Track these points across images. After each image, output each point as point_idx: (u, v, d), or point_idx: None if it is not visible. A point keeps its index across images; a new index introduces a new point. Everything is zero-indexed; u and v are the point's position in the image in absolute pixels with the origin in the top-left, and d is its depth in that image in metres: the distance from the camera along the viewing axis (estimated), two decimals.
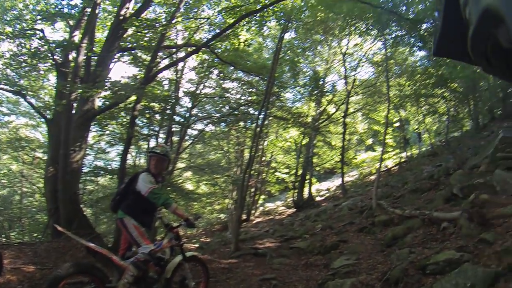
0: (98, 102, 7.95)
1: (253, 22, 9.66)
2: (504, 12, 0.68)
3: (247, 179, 7.95)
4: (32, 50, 9.38)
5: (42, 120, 12.04)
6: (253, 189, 14.72)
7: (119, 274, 3.72)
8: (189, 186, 16.77)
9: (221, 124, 13.67)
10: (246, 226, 13.71)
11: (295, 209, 16.00)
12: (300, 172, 17.01)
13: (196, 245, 11.33)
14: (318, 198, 17.62)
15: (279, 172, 17.69)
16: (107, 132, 11.00)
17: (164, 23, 8.21)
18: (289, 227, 11.15)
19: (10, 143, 13.52)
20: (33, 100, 10.67)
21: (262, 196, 19.00)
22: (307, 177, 17.09)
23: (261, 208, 18.77)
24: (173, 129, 12.09)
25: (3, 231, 13.97)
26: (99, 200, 9.67)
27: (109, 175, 10.20)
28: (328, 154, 19.44)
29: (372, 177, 17.14)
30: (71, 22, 9.96)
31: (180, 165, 13.51)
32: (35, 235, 13.89)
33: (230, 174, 15.93)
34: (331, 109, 17.80)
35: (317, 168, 19.73)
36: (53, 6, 9.73)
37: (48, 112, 10.24)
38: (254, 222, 15.73)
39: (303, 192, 16.66)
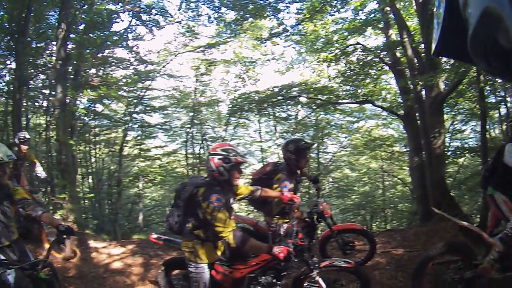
0: (442, 85, 8.03)
1: None
2: (504, 12, 0.64)
3: None
4: (359, 62, 10.50)
5: (392, 117, 13.10)
6: None
7: (486, 251, 3.54)
8: None
9: None
10: None
11: None
12: None
13: None
14: None
15: None
16: (458, 111, 10.87)
17: None
18: None
19: (366, 145, 15.16)
20: (378, 103, 11.62)
21: None
22: None
23: None
24: None
25: (366, 223, 15.48)
26: (462, 181, 9.55)
27: (468, 153, 9.92)
28: None
29: None
30: (379, 25, 10.42)
31: None
32: (396, 223, 14.97)
33: None
34: None
35: None
36: (355, 21, 10.50)
37: (395, 109, 11.00)
38: None
39: None
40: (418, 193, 9.18)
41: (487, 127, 11.82)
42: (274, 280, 3.64)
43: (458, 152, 9.75)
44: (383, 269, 5.19)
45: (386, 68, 10.60)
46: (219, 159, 3.27)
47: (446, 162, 8.71)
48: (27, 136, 6.45)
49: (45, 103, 12.45)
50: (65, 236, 3.26)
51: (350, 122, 15.56)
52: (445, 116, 9.62)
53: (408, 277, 4.20)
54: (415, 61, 8.48)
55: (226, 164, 3.26)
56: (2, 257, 3.00)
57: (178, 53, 13.75)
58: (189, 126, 15.27)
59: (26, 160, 6.39)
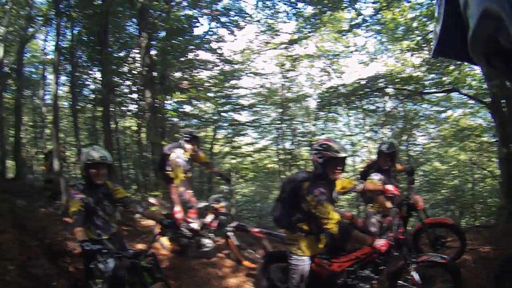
0: None
1: None
2: (504, 12, 0.64)
3: None
4: None
5: (479, 105, 12.22)
6: None
7: None
8: None
9: None
10: None
11: None
12: None
13: None
14: None
15: None
16: None
17: None
18: None
19: (454, 135, 14.36)
20: (464, 91, 10.96)
21: None
22: None
23: None
24: None
25: (455, 218, 14.69)
26: None
27: None
28: None
29: None
30: None
31: None
32: (485, 219, 13.84)
33: None
34: None
35: None
36: (434, 5, 9.84)
37: (482, 96, 10.29)
38: None
39: None
40: (506, 187, 8.53)
41: None
42: (372, 274, 3.68)
43: None
44: (469, 267, 4.97)
45: None
46: (315, 154, 3.38)
47: None
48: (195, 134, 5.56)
49: (131, 107, 13.49)
50: (167, 230, 3.58)
51: (437, 112, 14.92)
52: None
53: (492, 276, 4.04)
54: None
55: (319, 159, 3.33)
56: (102, 247, 3.18)
57: (261, 51, 14.08)
58: (279, 122, 15.55)
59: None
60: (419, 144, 16.66)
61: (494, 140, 12.36)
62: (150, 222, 6.85)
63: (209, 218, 5.45)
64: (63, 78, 13.08)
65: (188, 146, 5.34)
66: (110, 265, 3.20)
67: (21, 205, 6.52)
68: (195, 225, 5.42)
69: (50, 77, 14.98)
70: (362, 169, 5.37)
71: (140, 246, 5.76)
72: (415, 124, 14.82)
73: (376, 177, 4.69)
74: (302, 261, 3.46)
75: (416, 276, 3.59)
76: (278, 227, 3.79)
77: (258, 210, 17.18)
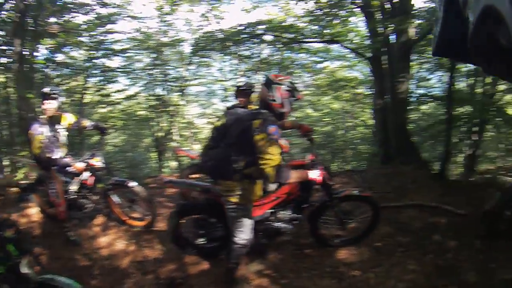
0: (413, 32, 7.93)
1: None
2: (504, 12, 0.63)
3: None
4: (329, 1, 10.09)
5: (358, 59, 12.99)
6: None
7: None
8: None
9: None
10: None
11: None
12: None
13: None
14: None
15: None
16: (426, 59, 10.86)
17: None
18: None
19: (329, 85, 15.24)
20: (345, 44, 11.40)
21: None
22: None
23: None
24: None
25: (326, 162, 16.30)
26: (424, 128, 9.77)
27: (433, 102, 10.07)
28: None
29: None
30: None
31: (501, 87, 11.18)
32: (356, 164, 15.54)
33: None
34: None
35: None
36: None
37: (363, 51, 10.86)
38: None
39: None
40: (379, 136, 9.51)
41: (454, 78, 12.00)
42: (294, 214, 3.68)
43: (422, 99, 9.83)
44: None
45: (357, 10, 10.25)
46: (287, 90, 3.03)
47: (409, 108, 8.91)
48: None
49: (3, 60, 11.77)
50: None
51: (315, 62, 15.42)
52: (412, 64, 9.65)
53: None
54: (387, 5, 8.24)
55: (290, 97, 3.05)
56: None
57: None
58: (151, 67, 14.85)
59: None
60: None
61: (370, 92, 13.48)
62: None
63: (85, 175, 4.81)
64: None
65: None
66: None
67: None
68: (74, 186, 4.79)
69: None
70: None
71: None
72: (290, 72, 15.03)
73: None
74: (247, 211, 3.24)
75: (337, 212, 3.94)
76: (212, 177, 3.38)
77: (130, 160, 16.43)
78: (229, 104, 5.78)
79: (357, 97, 15.31)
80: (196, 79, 16.25)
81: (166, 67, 15.30)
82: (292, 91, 3.06)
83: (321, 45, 13.23)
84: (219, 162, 3.10)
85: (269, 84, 3.03)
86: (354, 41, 12.03)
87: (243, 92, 4.92)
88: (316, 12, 10.64)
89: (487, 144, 16.25)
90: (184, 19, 15.40)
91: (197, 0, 14.33)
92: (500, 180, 8.12)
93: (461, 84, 12.35)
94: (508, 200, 4.16)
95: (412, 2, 8.23)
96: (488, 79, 10.40)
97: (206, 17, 14.63)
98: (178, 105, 15.73)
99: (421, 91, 12.25)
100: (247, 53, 14.39)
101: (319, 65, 15.83)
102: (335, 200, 3.83)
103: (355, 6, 9.99)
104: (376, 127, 10.65)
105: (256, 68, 14.44)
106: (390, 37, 8.55)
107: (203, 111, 18.53)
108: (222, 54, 14.25)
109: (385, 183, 6.47)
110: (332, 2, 10.22)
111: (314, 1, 10.64)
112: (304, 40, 11.52)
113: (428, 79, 12.76)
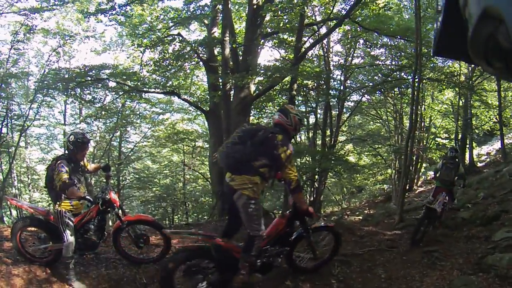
0: (253, 88, 8.38)
1: None
2: (504, 12, 0.65)
3: (410, 146, 7.57)
4: (175, 53, 10.40)
5: (198, 113, 13.26)
6: (414, 157, 13.94)
7: None
8: (352, 158, 16.79)
9: (377, 92, 13.34)
10: (409, 196, 13.18)
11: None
12: (459, 136, 15.43)
13: (360, 217, 11.34)
14: (479, 164, 15.98)
15: (439, 137, 16.16)
16: (265, 115, 11.79)
17: (299, 1, 8.14)
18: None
19: (169, 137, 15.23)
20: (186, 97, 11.65)
21: (424, 164, 17.79)
22: (467, 141, 15.45)
23: (423, 177, 17.71)
24: (331, 103, 12.29)
25: (167, 215, 15.98)
26: None
27: None
28: (485, 114, 17.08)
29: None
30: (206, 21, 10.65)
31: (341, 138, 13.38)
32: (198, 216, 15.48)
33: (391, 143, 15.54)
34: None
35: (476, 131, 17.64)
36: (183, 12, 10.46)
37: (202, 104, 11.12)
38: (417, 191, 14.99)
39: (465, 159, 15.03)
40: (218, 188, 9.61)
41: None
42: (282, 248, 4.09)
43: None
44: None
45: (201, 64, 10.77)
46: (298, 118, 3.90)
47: None
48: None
49: None
50: None
51: (155, 113, 15.65)
52: (252, 118, 10.24)
53: None
54: (231, 61, 8.63)
55: (301, 124, 4.00)
56: None
57: (2, 13, 11.79)
58: None
59: None
60: (132, 142, 17.04)
61: (207, 145, 13.76)
62: None
63: None
64: None
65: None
66: None
67: None
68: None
69: None
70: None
71: None
72: (129, 121, 14.91)
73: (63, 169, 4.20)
74: (259, 205, 3.73)
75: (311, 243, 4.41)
76: (230, 171, 3.73)
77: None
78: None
79: (196, 150, 15.55)
80: (37, 119, 14.95)
81: (10, 102, 13.66)
82: (301, 119, 4.00)
83: (162, 96, 13.51)
84: (242, 156, 3.59)
85: (286, 113, 3.85)
86: (195, 95, 12.39)
87: (82, 145, 4.50)
88: (161, 62, 10.81)
89: (332, 189, 18.36)
90: (36, 50, 14.87)
91: (52, 32, 13.69)
92: (344, 220, 8.94)
93: (302, 137, 13.78)
94: (421, 222, 6.04)
95: (257, 60, 8.87)
96: (328, 132, 11.75)
97: (57, 52, 14.16)
98: (19, 146, 14.16)
99: None
100: (89, 97, 13.51)
101: (160, 117, 16.02)
102: (309, 231, 4.32)
103: (200, 60, 10.42)
104: (213, 179, 10.71)
105: (96, 114, 13.42)
106: (230, 92, 8.91)
107: (43, 156, 16.84)
108: (65, 96, 13.27)
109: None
110: (177, 54, 10.51)
111: (161, 50, 10.85)
112: (144, 90, 11.45)
113: None
